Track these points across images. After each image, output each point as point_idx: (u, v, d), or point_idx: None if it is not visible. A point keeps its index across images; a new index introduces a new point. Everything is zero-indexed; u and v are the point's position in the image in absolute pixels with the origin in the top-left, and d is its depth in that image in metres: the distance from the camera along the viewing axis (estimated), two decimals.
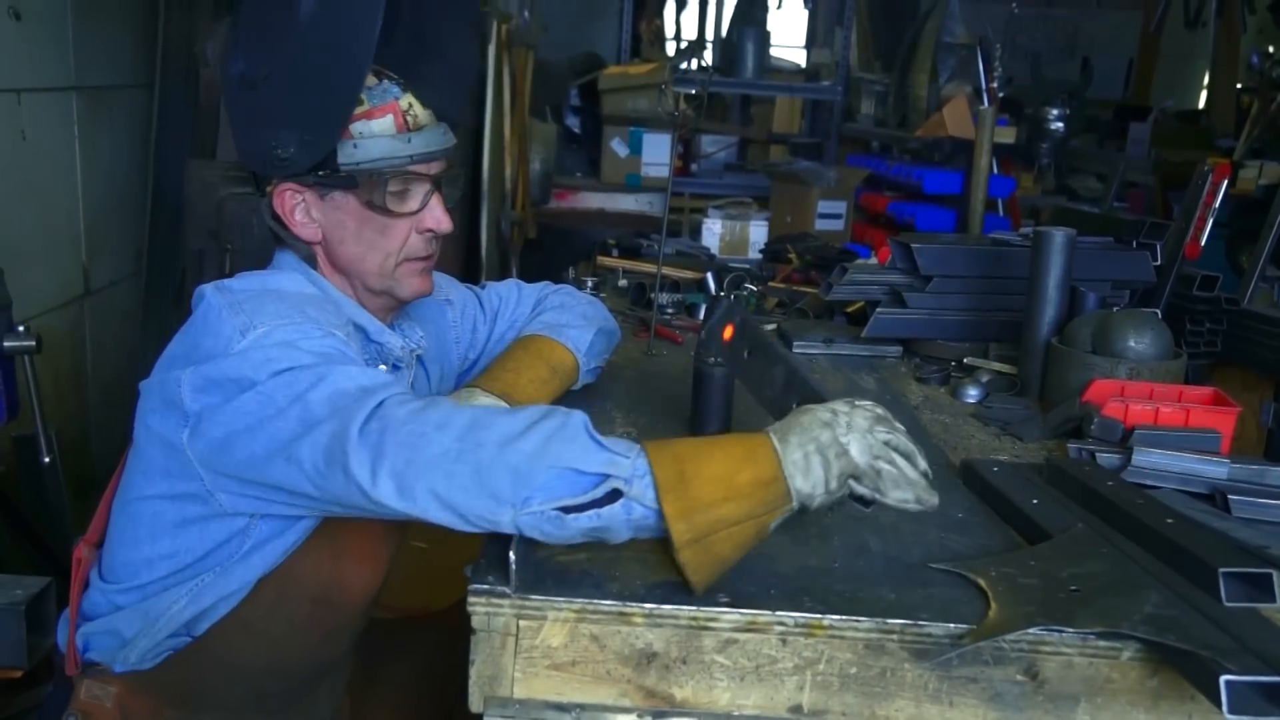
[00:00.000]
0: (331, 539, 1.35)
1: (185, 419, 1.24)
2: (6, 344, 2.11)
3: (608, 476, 1.04)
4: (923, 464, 1.10)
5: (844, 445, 1.07)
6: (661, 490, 1.04)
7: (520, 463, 1.05)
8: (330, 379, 1.17)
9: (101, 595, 1.39)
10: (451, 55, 1.51)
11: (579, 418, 1.09)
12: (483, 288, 1.76)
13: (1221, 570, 1.06)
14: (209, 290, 1.31)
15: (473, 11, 1.52)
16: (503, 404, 1.46)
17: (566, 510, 1.04)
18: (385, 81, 1.40)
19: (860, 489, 1.07)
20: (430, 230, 1.43)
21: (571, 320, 1.67)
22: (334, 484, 1.13)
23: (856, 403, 1.12)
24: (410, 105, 1.40)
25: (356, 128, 1.37)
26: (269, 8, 1.39)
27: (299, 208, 1.41)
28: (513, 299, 1.75)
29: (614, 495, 1.04)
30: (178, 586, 1.33)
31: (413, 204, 1.42)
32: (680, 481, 1.05)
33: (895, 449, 1.09)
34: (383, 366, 1.43)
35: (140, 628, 1.34)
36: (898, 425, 1.12)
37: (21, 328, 2.14)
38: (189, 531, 1.31)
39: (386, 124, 1.38)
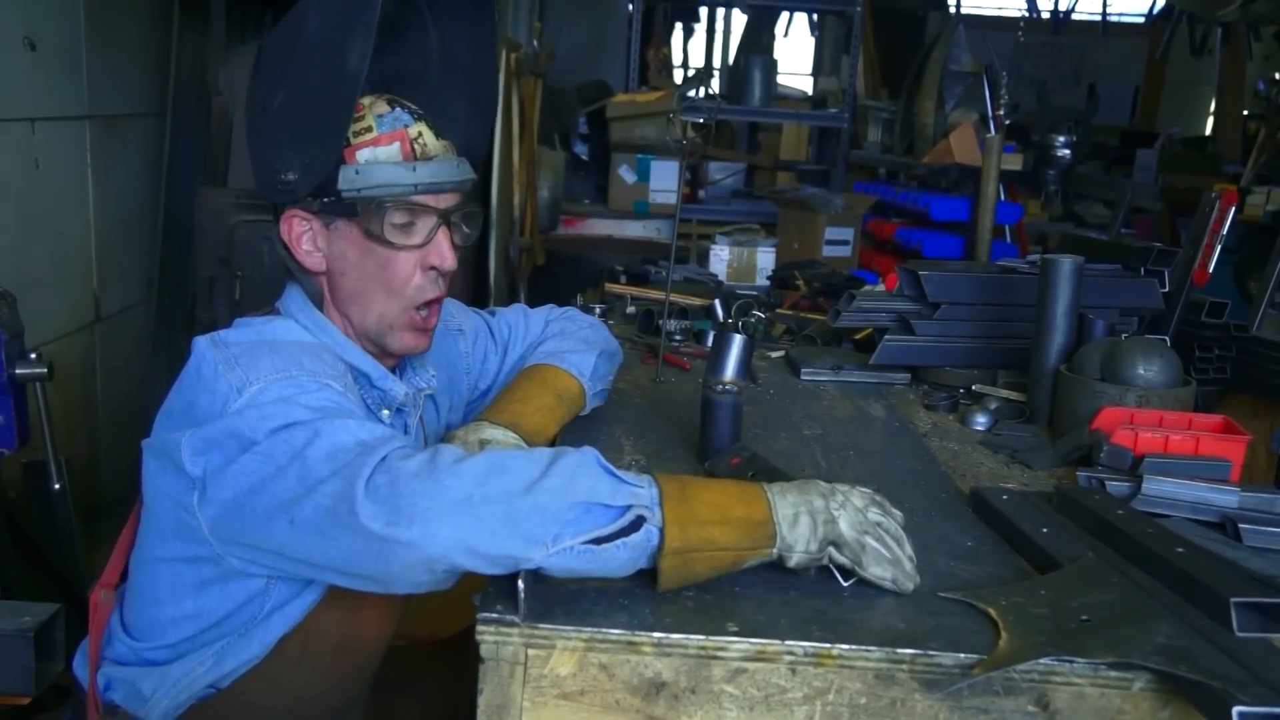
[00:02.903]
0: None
1: (192, 484, 1.20)
2: (18, 371, 2.11)
3: (631, 506, 1.07)
4: (909, 549, 1.15)
5: (834, 515, 1.13)
6: (664, 497, 1.09)
7: (548, 501, 1.06)
8: (327, 434, 1.14)
9: (128, 649, 1.36)
10: (476, 92, 1.48)
11: (592, 453, 1.12)
12: (492, 314, 1.76)
13: (1233, 600, 1.05)
14: (203, 344, 1.27)
15: (493, 46, 1.50)
16: (512, 435, 1.45)
17: (599, 542, 1.06)
18: (398, 110, 1.36)
19: (840, 557, 1.13)
20: (434, 267, 1.39)
21: (573, 346, 1.67)
22: (339, 547, 1.10)
23: (857, 487, 1.18)
24: (420, 134, 1.35)
25: (363, 154, 1.33)
26: (285, 34, 1.36)
27: (305, 235, 1.37)
28: (521, 327, 1.75)
29: (638, 523, 1.07)
30: (203, 649, 1.31)
31: (416, 237, 1.37)
32: (682, 495, 1.11)
33: (885, 530, 1.15)
34: (385, 412, 1.41)
35: (160, 688, 1.32)
36: (894, 511, 1.18)
37: (33, 355, 2.14)
38: (209, 592, 1.28)
39: (393, 151, 1.34)
